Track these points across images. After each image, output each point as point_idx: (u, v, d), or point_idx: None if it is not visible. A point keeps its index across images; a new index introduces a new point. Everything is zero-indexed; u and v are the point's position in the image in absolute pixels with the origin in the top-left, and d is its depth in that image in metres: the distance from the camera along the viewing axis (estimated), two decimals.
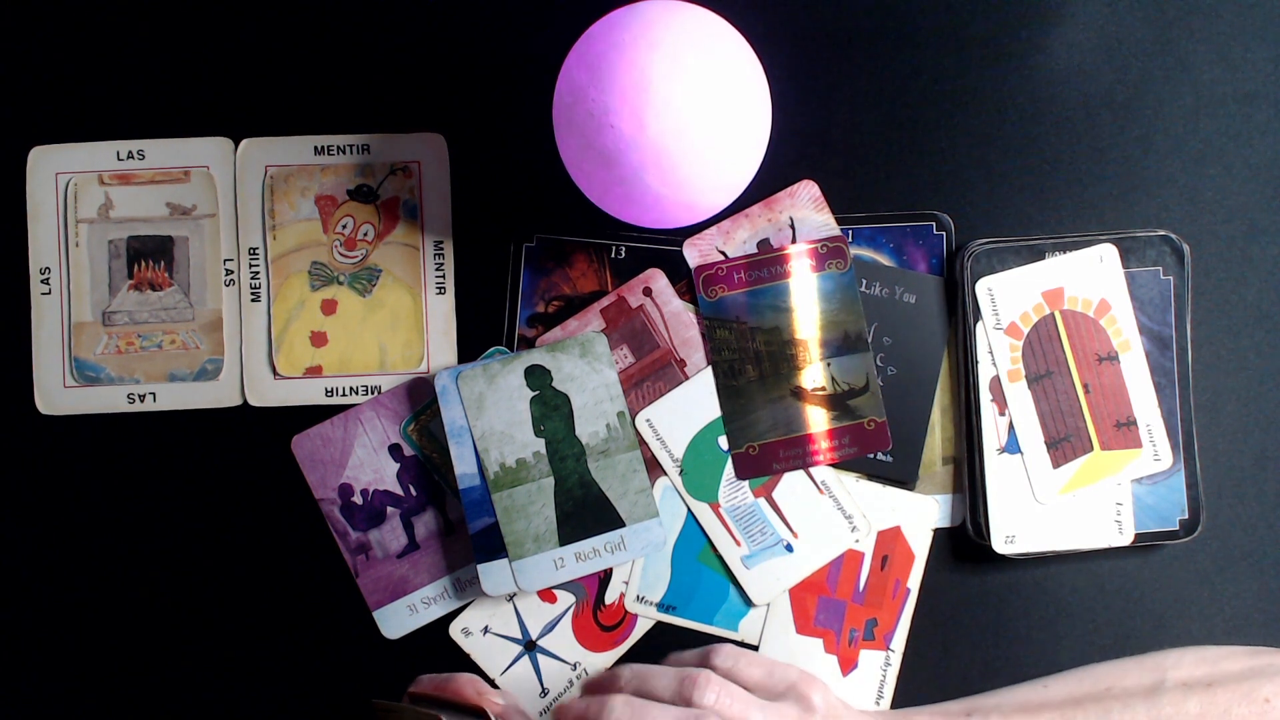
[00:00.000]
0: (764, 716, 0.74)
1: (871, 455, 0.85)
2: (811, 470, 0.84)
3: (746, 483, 0.84)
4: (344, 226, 0.85)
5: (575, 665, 0.85)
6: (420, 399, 0.85)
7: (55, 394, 0.85)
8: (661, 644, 0.84)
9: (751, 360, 0.84)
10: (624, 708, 0.73)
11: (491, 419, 0.83)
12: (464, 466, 0.83)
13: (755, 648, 0.85)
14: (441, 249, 0.85)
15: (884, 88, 0.85)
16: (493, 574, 0.83)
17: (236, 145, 0.85)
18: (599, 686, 0.78)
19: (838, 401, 0.84)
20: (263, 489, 0.86)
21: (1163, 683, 0.77)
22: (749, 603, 0.84)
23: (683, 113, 0.74)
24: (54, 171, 0.85)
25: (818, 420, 0.84)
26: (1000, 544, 0.84)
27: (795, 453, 0.84)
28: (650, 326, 0.85)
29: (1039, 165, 0.85)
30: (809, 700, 0.75)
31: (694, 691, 0.74)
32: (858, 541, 0.84)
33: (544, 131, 0.84)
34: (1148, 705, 0.76)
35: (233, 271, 0.85)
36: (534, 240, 0.85)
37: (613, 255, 0.85)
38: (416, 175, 0.85)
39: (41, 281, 0.85)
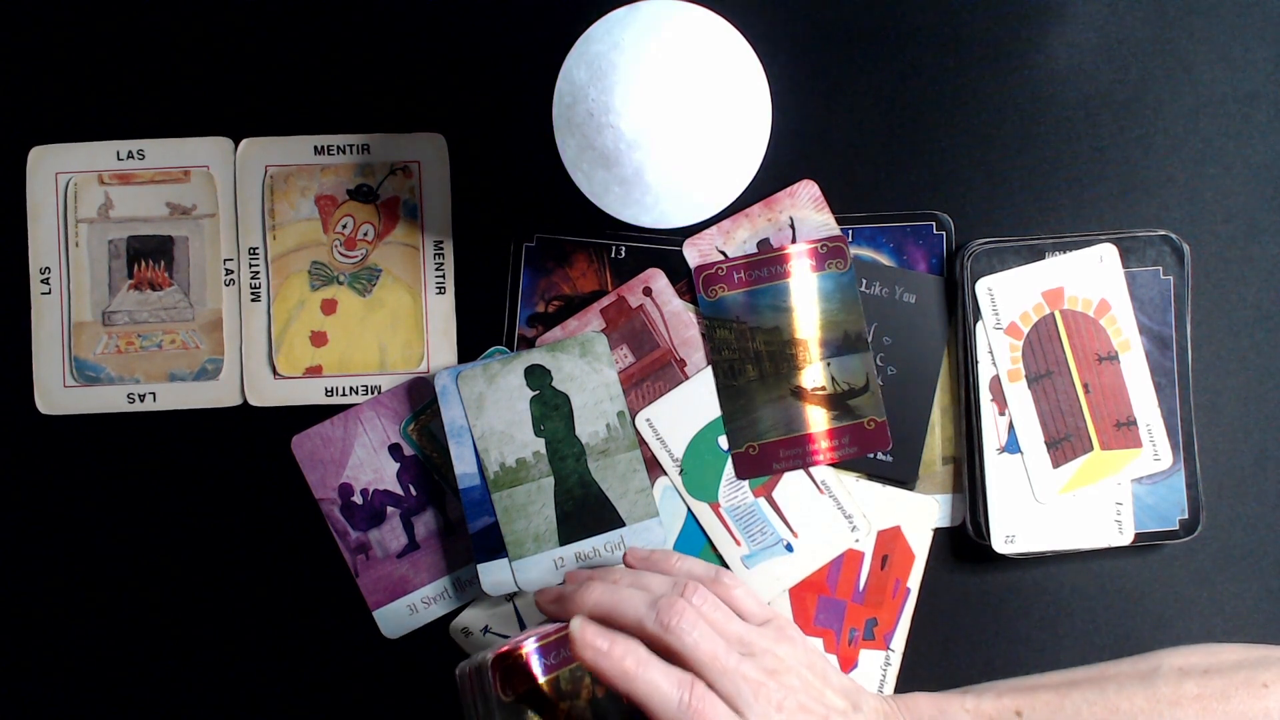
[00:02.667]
0: (742, 629, 0.74)
1: (871, 455, 0.85)
2: (811, 470, 0.84)
3: (746, 482, 0.84)
4: (344, 226, 0.85)
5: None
6: (420, 399, 0.85)
7: (55, 394, 0.85)
8: None
9: (751, 360, 0.84)
10: (601, 587, 0.74)
11: (491, 419, 0.83)
12: (464, 466, 0.83)
13: None
14: (441, 249, 0.85)
15: (884, 88, 0.85)
16: (493, 574, 0.83)
17: (236, 145, 0.85)
18: (590, 577, 0.77)
19: (837, 401, 0.84)
20: (263, 489, 0.86)
21: (1159, 668, 0.77)
22: None
23: (683, 113, 0.74)
24: (54, 171, 0.85)
25: (817, 420, 0.84)
26: (1000, 544, 0.84)
27: (795, 452, 0.84)
28: (650, 326, 0.85)
29: (1039, 165, 0.85)
30: (785, 631, 0.76)
31: (685, 588, 0.73)
32: (858, 541, 0.84)
33: (544, 131, 0.84)
34: (1144, 686, 0.76)
35: (233, 271, 0.85)
36: (534, 240, 0.85)
37: (613, 255, 0.85)
38: (416, 175, 0.85)
39: (41, 281, 0.85)
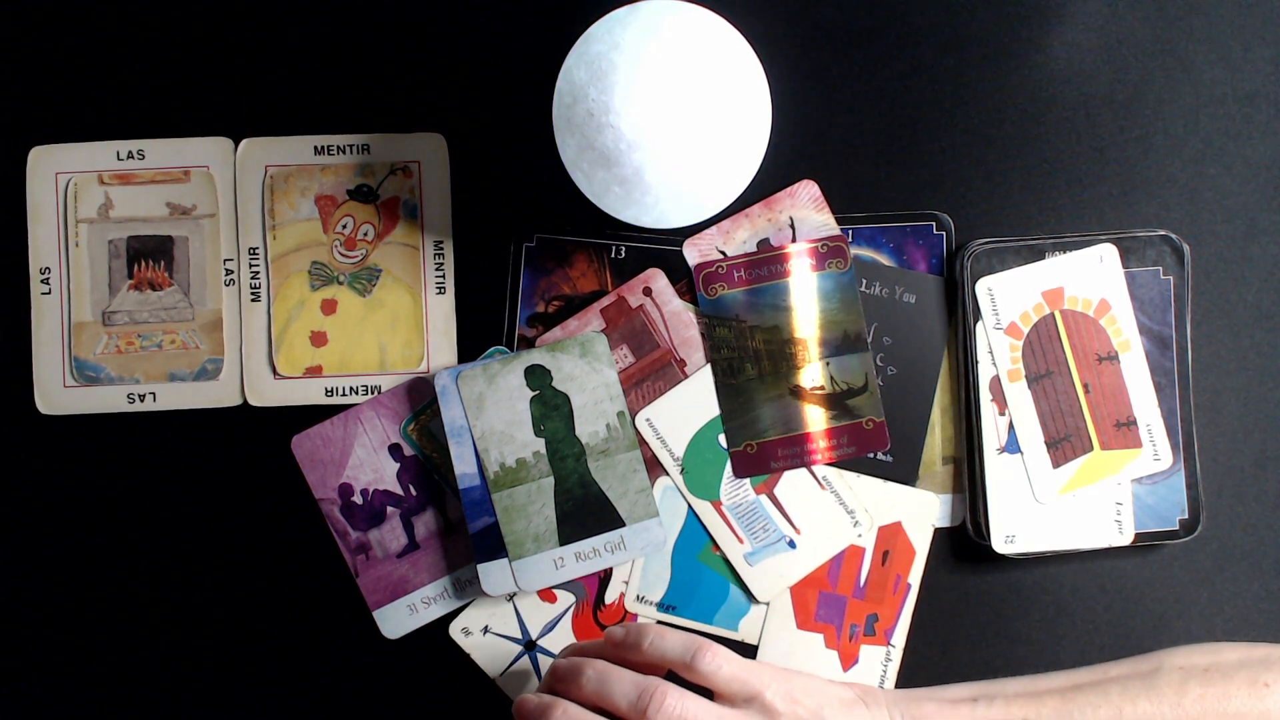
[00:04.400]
0: None
1: (871, 455, 0.85)
2: (812, 466, 0.84)
3: (748, 480, 0.84)
4: (344, 226, 0.85)
5: None
6: (420, 399, 0.85)
7: (55, 394, 0.85)
8: None
9: (751, 359, 0.84)
10: (561, 717, 0.73)
11: (491, 419, 0.83)
12: (464, 466, 0.83)
13: (755, 647, 0.85)
14: (441, 249, 0.85)
15: (884, 88, 0.85)
16: (493, 574, 0.83)
17: (236, 145, 0.85)
18: (564, 677, 0.76)
19: (836, 401, 0.84)
20: (263, 489, 0.86)
21: (1160, 668, 0.77)
22: (752, 599, 0.84)
23: (683, 113, 0.74)
24: (54, 171, 0.85)
25: (816, 419, 0.84)
26: (1000, 544, 0.84)
27: (793, 451, 0.84)
28: (650, 326, 0.85)
29: (1039, 165, 0.85)
30: (771, 707, 0.74)
31: (649, 705, 0.73)
32: (860, 537, 0.84)
33: (544, 131, 0.84)
34: (1146, 687, 0.76)
35: (233, 271, 0.85)
36: (534, 240, 0.85)
37: (613, 255, 0.85)
38: (416, 175, 0.85)
39: (41, 281, 0.85)
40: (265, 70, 0.85)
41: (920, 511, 0.85)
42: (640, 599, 0.85)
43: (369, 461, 0.85)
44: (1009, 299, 0.84)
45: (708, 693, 0.76)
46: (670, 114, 0.74)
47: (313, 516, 0.85)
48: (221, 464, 0.86)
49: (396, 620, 0.85)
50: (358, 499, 0.85)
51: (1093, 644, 0.85)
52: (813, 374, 0.84)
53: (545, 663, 0.85)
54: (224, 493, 0.86)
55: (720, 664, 0.75)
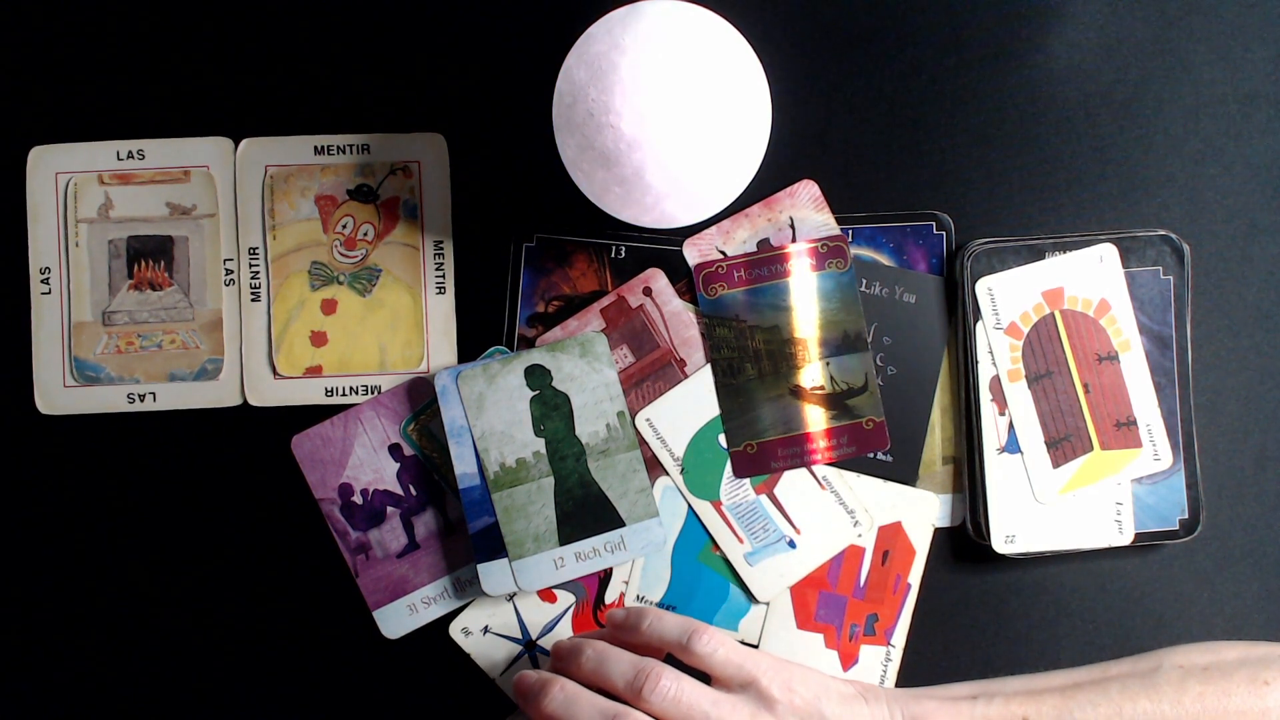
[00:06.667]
0: (715, 712, 0.74)
1: (871, 455, 0.85)
2: (812, 466, 0.84)
3: (748, 480, 0.84)
4: (344, 226, 0.85)
5: None
6: (420, 399, 0.85)
7: (55, 394, 0.85)
8: None
9: (751, 359, 0.84)
10: (560, 694, 0.74)
11: (491, 419, 0.83)
12: (464, 466, 0.83)
13: (755, 647, 0.85)
14: (441, 249, 0.85)
15: (884, 88, 0.85)
16: (493, 574, 0.83)
17: (236, 145, 0.85)
18: (564, 656, 0.78)
19: (836, 401, 0.84)
20: (263, 489, 0.86)
21: (1160, 667, 0.77)
22: (752, 599, 0.84)
23: (683, 113, 0.74)
24: (54, 171, 0.85)
25: (816, 419, 0.84)
26: (1000, 544, 0.84)
27: (793, 451, 0.84)
28: (650, 326, 0.85)
29: (1039, 165, 0.85)
30: (767, 693, 0.75)
31: (644, 685, 0.74)
32: (860, 536, 0.84)
33: (544, 131, 0.84)
34: (1146, 686, 0.76)
35: (233, 271, 0.85)
36: (534, 240, 0.85)
37: (613, 255, 0.85)
38: (416, 175, 0.85)
39: (41, 281, 0.85)
40: (265, 70, 0.85)
41: (920, 511, 0.85)
42: (640, 599, 0.85)
43: (369, 461, 0.85)
44: (1009, 299, 0.84)
45: (706, 678, 0.77)
46: (670, 114, 0.74)
47: (313, 516, 0.85)
48: (221, 464, 0.86)
49: (396, 620, 0.85)
50: (358, 499, 0.85)
51: (1093, 644, 0.85)
52: (813, 374, 0.84)
53: (545, 663, 0.85)
54: (224, 493, 0.86)
55: (715, 647, 0.76)
